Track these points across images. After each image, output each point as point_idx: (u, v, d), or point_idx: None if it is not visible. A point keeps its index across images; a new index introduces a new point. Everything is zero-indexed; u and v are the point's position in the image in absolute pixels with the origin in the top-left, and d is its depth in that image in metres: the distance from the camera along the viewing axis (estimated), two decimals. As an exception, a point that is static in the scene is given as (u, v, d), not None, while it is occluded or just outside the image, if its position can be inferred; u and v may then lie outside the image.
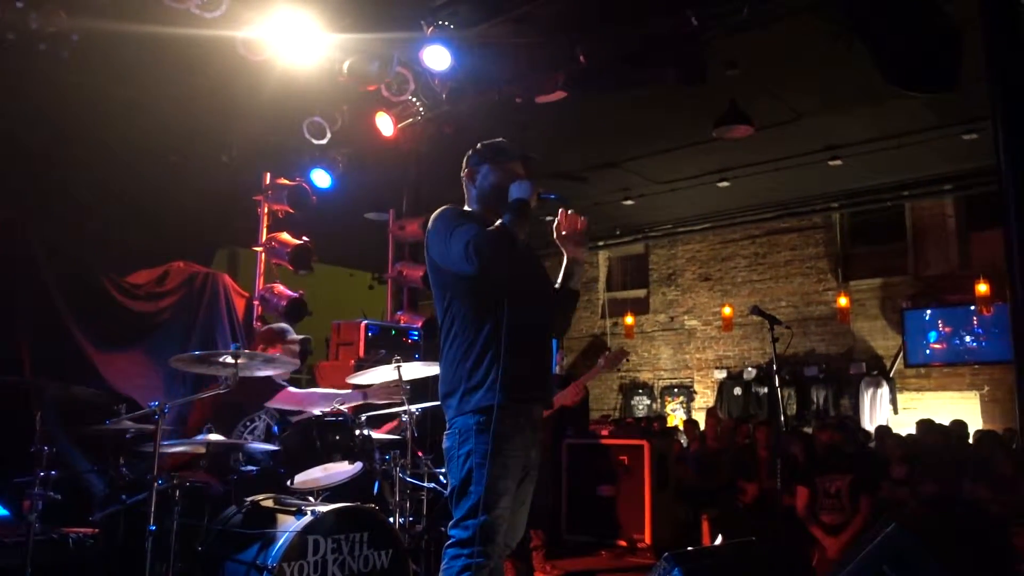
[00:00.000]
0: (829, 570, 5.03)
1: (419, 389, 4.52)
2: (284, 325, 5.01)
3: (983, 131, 8.11)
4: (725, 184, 10.74)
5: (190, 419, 4.49)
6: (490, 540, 2.71)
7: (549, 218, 3.11)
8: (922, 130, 8.87)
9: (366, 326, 6.46)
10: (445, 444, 2.87)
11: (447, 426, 2.88)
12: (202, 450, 3.81)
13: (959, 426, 8.29)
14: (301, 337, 4.92)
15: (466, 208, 3.07)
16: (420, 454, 4.52)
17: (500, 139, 3.18)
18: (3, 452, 4.73)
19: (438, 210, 2.98)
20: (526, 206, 2.85)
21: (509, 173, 3.02)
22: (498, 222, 2.79)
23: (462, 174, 3.14)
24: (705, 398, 13.46)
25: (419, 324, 6.93)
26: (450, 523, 2.80)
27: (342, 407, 4.18)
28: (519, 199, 2.85)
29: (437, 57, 5.86)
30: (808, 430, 9.44)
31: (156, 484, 3.50)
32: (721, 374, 13.30)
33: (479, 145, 3.16)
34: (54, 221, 5.74)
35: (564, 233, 3.10)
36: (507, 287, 2.82)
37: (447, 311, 2.92)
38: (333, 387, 5.53)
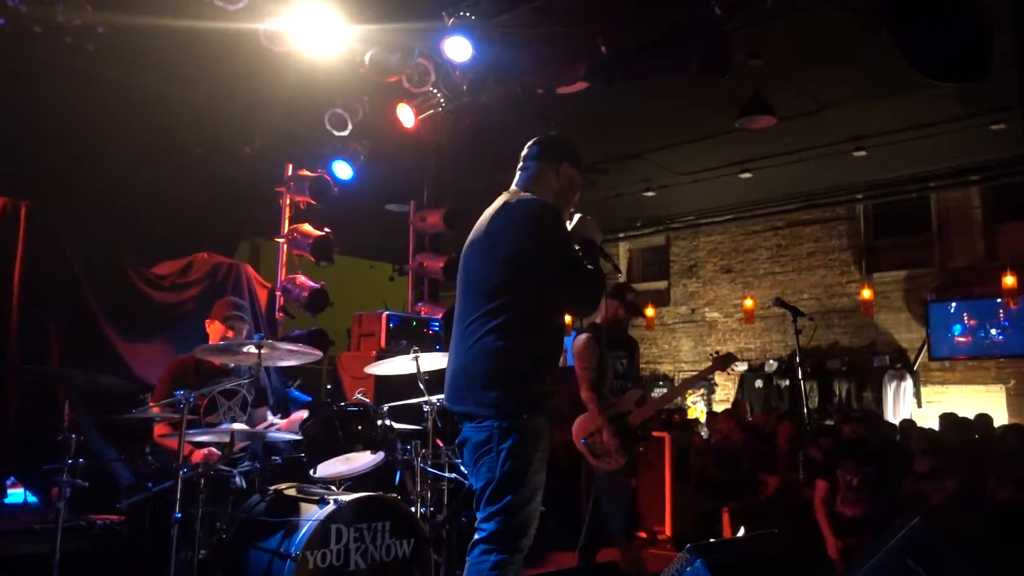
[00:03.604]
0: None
1: (440, 380, 4.53)
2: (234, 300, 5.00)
3: (1011, 121, 7.99)
4: (747, 175, 10.65)
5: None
6: (524, 535, 2.73)
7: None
8: (948, 120, 8.74)
9: (387, 317, 6.48)
10: (476, 437, 2.80)
11: (477, 420, 2.81)
12: (227, 439, 3.85)
13: (984, 420, 8.20)
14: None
15: (534, 196, 2.97)
16: (441, 444, 4.54)
17: (560, 135, 3.26)
18: (32, 440, 4.82)
19: (532, 202, 2.90)
20: (598, 252, 3.03)
21: (564, 175, 3.10)
22: (593, 269, 2.92)
23: (534, 158, 3.11)
24: (726, 390, 13.39)
25: (440, 315, 6.94)
26: (482, 518, 2.77)
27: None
28: (595, 244, 3.02)
29: (458, 48, 5.86)
30: (829, 423, 9.37)
31: (181, 473, 3.54)
32: (742, 367, 13.23)
33: (557, 137, 3.20)
34: (80, 213, 5.80)
35: None
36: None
37: (498, 305, 2.81)
38: (353, 377, 5.56)
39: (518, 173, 3.13)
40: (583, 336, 4.86)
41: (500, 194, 3.07)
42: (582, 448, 4.71)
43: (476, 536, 2.78)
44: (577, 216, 3.09)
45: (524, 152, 3.16)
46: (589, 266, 2.90)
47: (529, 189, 3.02)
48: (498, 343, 2.79)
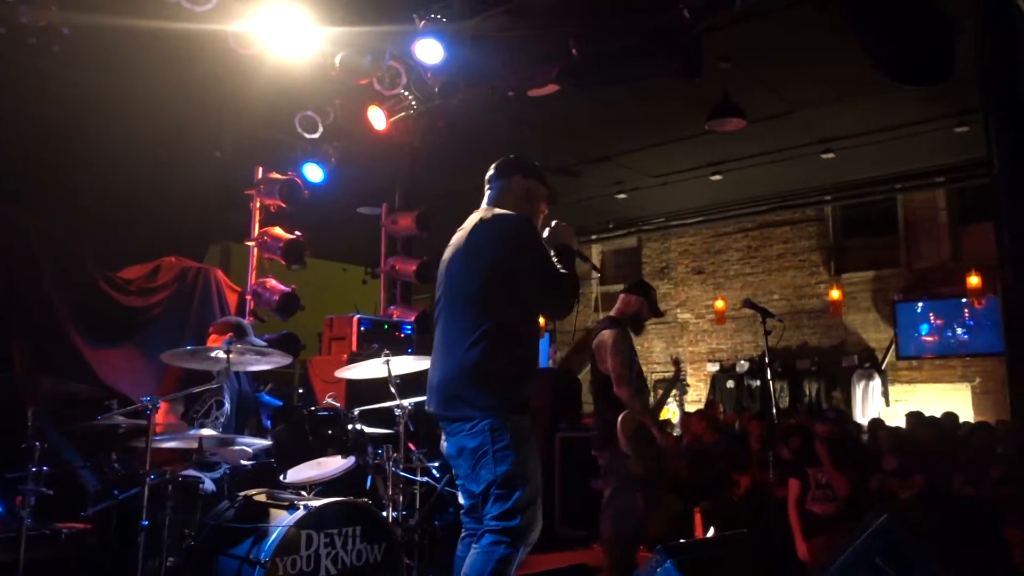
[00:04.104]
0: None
1: (411, 383, 4.51)
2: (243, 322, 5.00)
3: (975, 124, 8.13)
4: (718, 177, 10.73)
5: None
6: (532, 530, 2.88)
7: None
8: (914, 123, 8.87)
9: (359, 320, 6.45)
10: (470, 444, 2.92)
11: (469, 424, 2.92)
12: (195, 445, 3.80)
13: (950, 418, 8.33)
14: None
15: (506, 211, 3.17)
16: (413, 448, 4.52)
17: (524, 156, 3.39)
18: (-5, 448, 4.73)
19: (514, 218, 3.10)
20: (575, 257, 3.17)
21: (535, 192, 3.28)
22: (565, 271, 3.08)
23: (495, 179, 3.31)
24: (698, 391, 13.48)
25: (412, 318, 6.92)
26: (493, 515, 2.88)
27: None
28: (571, 249, 3.17)
29: (429, 50, 5.84)
30: (793, 421, 9.45)
31: (148, 479, 3.49)
32: (714, 367, 13.32)
33: (511, 157, 3.36)
34: (45, 216, 5.71)
35: None
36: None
37: (482, 312, 2.97)
38: (325, 381, 5.53)
39: (486, 195, 3.32)
40: (614, 330, 4.73)
41: (472, 196, 3.28)
42: (627, 448, 4.52)
43: (484, 528, 2.90)
44: (553, 223, 3.23)
45: (487, 176, 3.36)
46: (564, 271, 3.08)
47: (499, 207, 3.21)
48: (487, 349, 2.94)
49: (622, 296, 5.06)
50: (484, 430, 2.88)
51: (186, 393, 4.20)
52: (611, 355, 4.65)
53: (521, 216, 3.11)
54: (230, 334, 4.59)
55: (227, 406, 4.49)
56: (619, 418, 4.55)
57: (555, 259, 3.08)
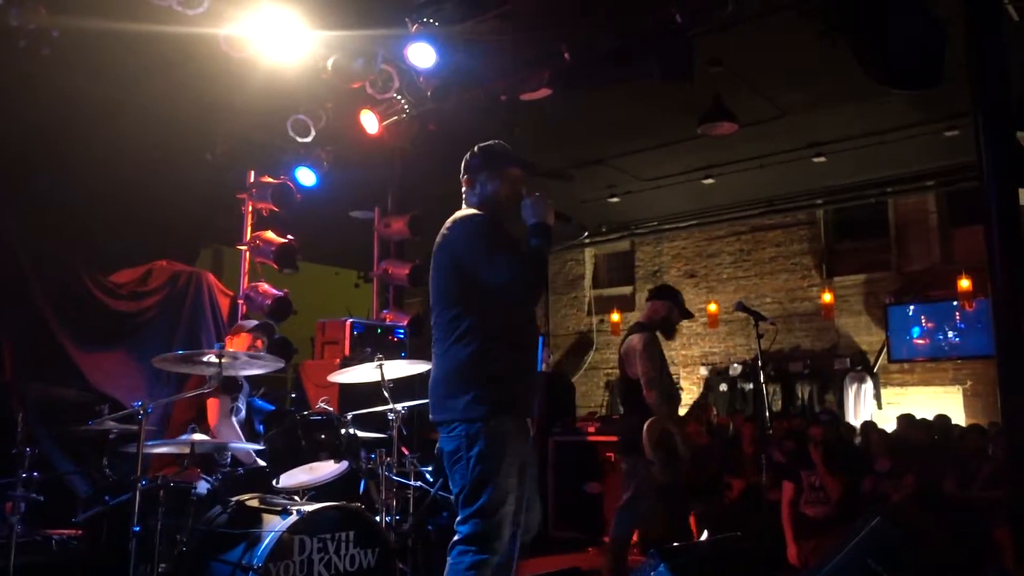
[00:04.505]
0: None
1: (404, 387, 4.51)
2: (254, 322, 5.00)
3: (964, 127, 8.17)
4: (710, 181, 10.76)
5: (172, 419, 4.46)
6: (498, 537, 2.80)
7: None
8: (905, 127, 8.92)
9: (351, 324, 6.44)
10: (448, 446, 2.90)
11: (448, 427, 2.90)
12: (187, 450, 3.78)
13: (942, 420, 8.36)
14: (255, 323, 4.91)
15: (471, 208, 3.10)
16: (406, 452, 4.51)
17: (496, 142, 3.21)
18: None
19: (465, 216, 3.02)
20: (549, 230, 2.95)
21: (508, 179, 3.10)
22: (531, 249, 2.90)
23: (461, 179, 3.18)
24: (691, 394, 13.50)
25: (405, 322, 6.91)
26: (458, 520, 2.86)
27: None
28: (542, 224, 2.94)
29: (422, 54, 5.85)
30: (786, 424, 9.46)
31: (140, 485, 3.48)
32: (707, 370, 13.34)
33: (476, 149, 3.18)
34: (35, 221, 5.68)
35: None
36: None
37: (457, 313, 2.93)
38: (317, 385, 5.52)
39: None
40: (644, 334, 4.74)
41: (463, 201, 3.19)
42: (651, 455, 4.48)
43: (454, 538, 2.87)
44: (526, 200, 3.03)
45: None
46: (523, 254, 2.92)
47: (470, 205, 3.14)
48: (462, 350, 2.90)
49: (649, 303, 5.10)
50: (460, 435, 2.85)
51: (178, 398, 4.19)
52: (640, 359, 4.67)
53: (471, 217, 3.02)
54: (262, 339, 4.64)
55: (243, 412, 4.49)
56: (645, 424, 4.52)
57: (531, 238, 2.93)
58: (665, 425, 4.54)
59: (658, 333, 4.91)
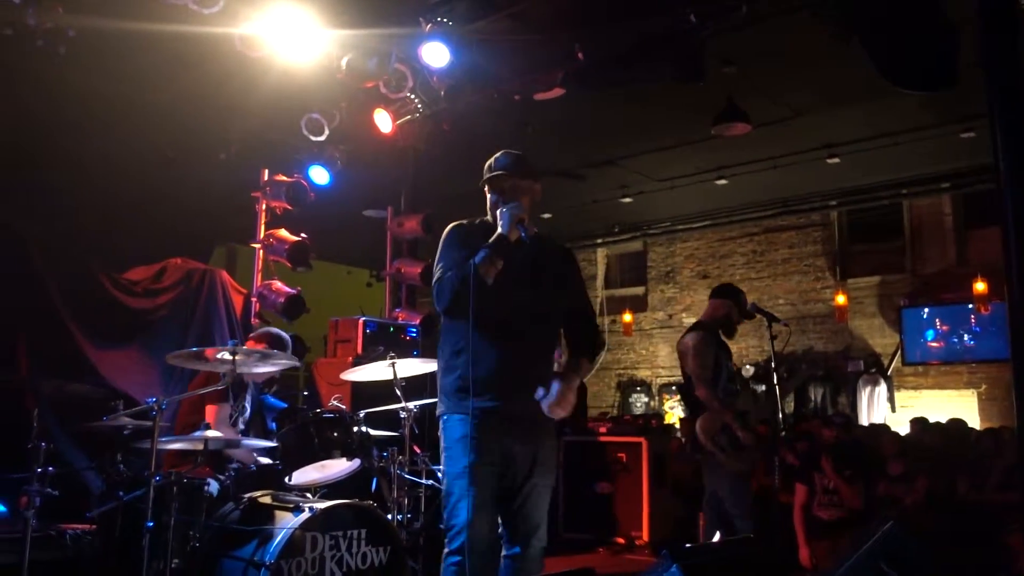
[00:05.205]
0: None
1: (416, 386, 4.52)
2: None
3: (981, 129, 8.11)
4: (723, 182, 10.72)
5: (178, 420, 4.47)
6: (454, 530, 2.88)
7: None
8: (920, 128, 8.86)
9: (364, 323, 6.45)
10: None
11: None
12: (200, 447, 3.80)
13: (957, 424, 8.30)
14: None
15: (476, 221, 3.19)
16: (418, 450, 4.52)
17: (499, 153, 3.25)
18: (0, 449, 4.73)
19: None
20: (505, 242, 2.94)
21: (496, 191, 3.17)
22: (475, 259, 2.89)
23: None
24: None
25: (417, 321, 6.91)
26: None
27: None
28: (499, 237, 2.95)
29: (436, 54, 5.85)
30: (800, 427, 9.42)
31: (153, 480, 3.49)
32: (719, 372, 13.29)
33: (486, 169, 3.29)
34: (51, 219, 5.72)
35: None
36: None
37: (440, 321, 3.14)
38: (330, 383, 5.53)
39: None
40: (696, 333, 4.84)
41: (478, 200, 3.24)
42: (711, 447, 4.61)
43: None
44: (501, 208, 3.02)
45: None
46: (474, 264, 2.89)
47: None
48: (439, 349, 3.13)
49: (710, 301, 5.17)
50: (440, 431, 3.04)
51: (192, 395, 4.21)
52: (691, 357, 4.76)
53: (449, 227, 3.17)
54: (264, 344, 4.60)
55: (249, 410, 4.50)
56: (698, 420, 4.66)
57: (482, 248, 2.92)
58: (722, 418, 4.61)
59: (720, 332, 4.95)
